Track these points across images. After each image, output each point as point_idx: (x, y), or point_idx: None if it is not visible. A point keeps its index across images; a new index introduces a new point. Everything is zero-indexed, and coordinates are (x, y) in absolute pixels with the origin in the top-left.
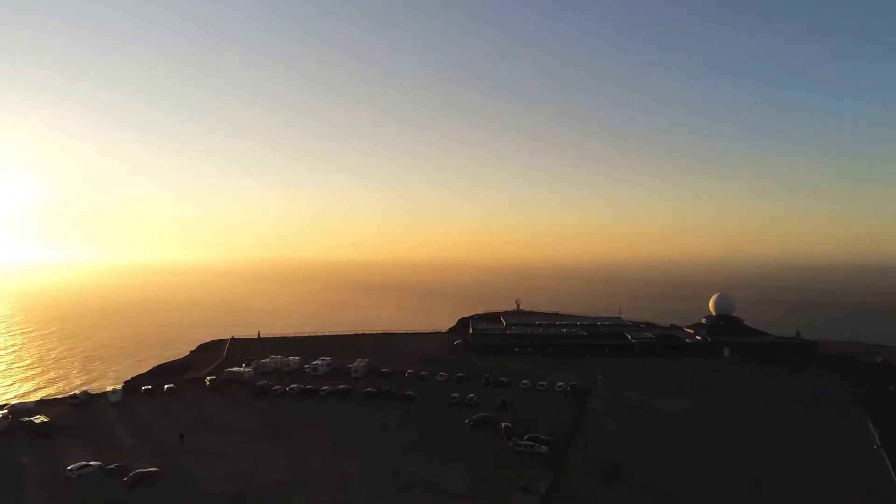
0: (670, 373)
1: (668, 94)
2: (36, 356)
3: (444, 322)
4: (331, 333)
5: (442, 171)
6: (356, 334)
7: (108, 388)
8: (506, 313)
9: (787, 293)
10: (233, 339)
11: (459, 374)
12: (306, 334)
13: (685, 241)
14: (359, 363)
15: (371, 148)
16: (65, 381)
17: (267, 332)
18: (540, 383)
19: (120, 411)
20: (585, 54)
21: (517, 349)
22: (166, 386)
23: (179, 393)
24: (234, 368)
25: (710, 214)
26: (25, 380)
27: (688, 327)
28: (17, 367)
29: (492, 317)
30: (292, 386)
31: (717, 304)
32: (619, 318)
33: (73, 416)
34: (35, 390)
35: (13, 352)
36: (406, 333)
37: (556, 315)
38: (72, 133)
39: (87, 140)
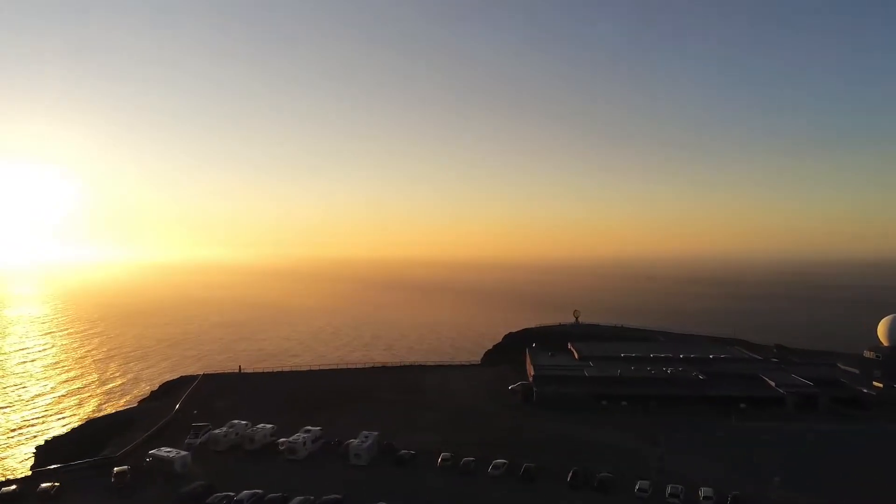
0: (869, 455)
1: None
2: (61, 355)
3: (484, 331)
4: (335, 367)
5: (478, 167)
6: (369, 368)
7: None
8: (563, 326)
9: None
10: (204, 377)
11: (528, 465)
12: (304, 368)
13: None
14: (362, 440)
15: (399, 144)
16: (81, 381)
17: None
18: (672, 491)
19: None
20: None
21: (604, 402)
22: (43, 485)
23: (62, 497)
24: (163, 451)
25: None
26: (44, 378)
27: (843, 365)
28: (36, 366)
29: (550, 335)
30: (241, 495)
31: (890, 331)
32: (736, 347)
33: None
34: (47, 391)
35: (41, 349)
36: (438, 366)
37: (623, 329)
38: (111, 139)
39: (127, 146)
